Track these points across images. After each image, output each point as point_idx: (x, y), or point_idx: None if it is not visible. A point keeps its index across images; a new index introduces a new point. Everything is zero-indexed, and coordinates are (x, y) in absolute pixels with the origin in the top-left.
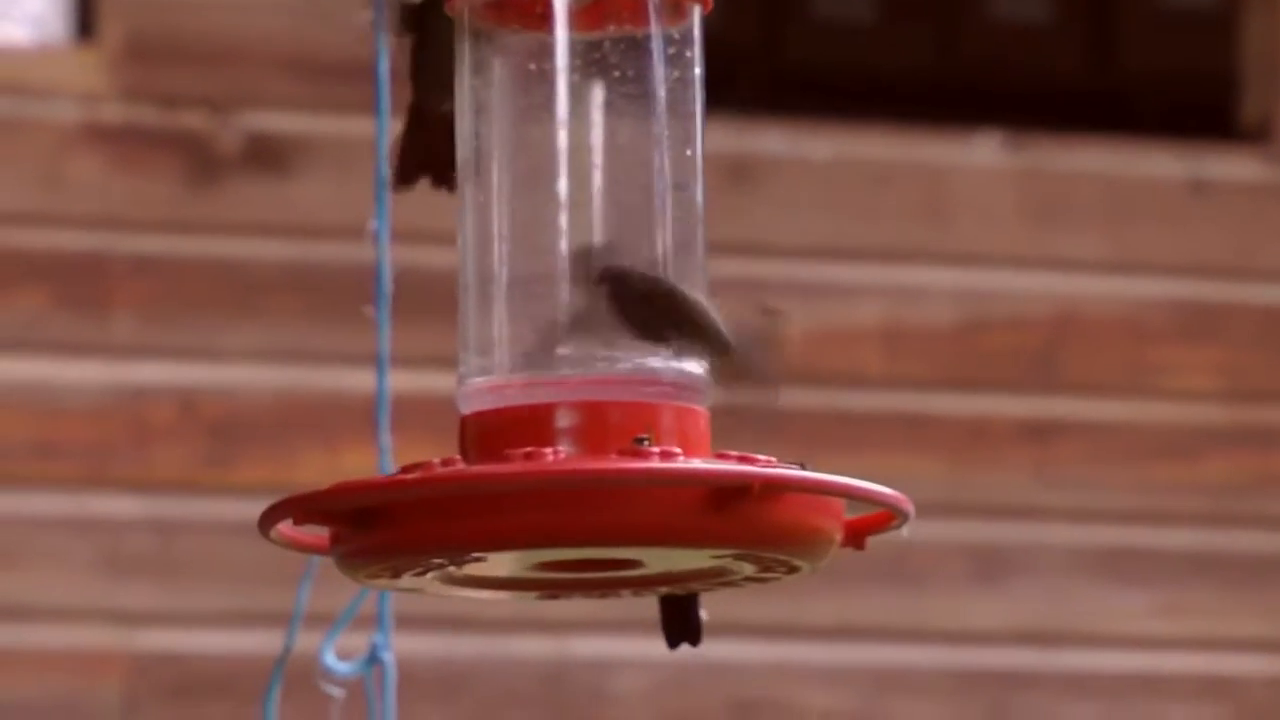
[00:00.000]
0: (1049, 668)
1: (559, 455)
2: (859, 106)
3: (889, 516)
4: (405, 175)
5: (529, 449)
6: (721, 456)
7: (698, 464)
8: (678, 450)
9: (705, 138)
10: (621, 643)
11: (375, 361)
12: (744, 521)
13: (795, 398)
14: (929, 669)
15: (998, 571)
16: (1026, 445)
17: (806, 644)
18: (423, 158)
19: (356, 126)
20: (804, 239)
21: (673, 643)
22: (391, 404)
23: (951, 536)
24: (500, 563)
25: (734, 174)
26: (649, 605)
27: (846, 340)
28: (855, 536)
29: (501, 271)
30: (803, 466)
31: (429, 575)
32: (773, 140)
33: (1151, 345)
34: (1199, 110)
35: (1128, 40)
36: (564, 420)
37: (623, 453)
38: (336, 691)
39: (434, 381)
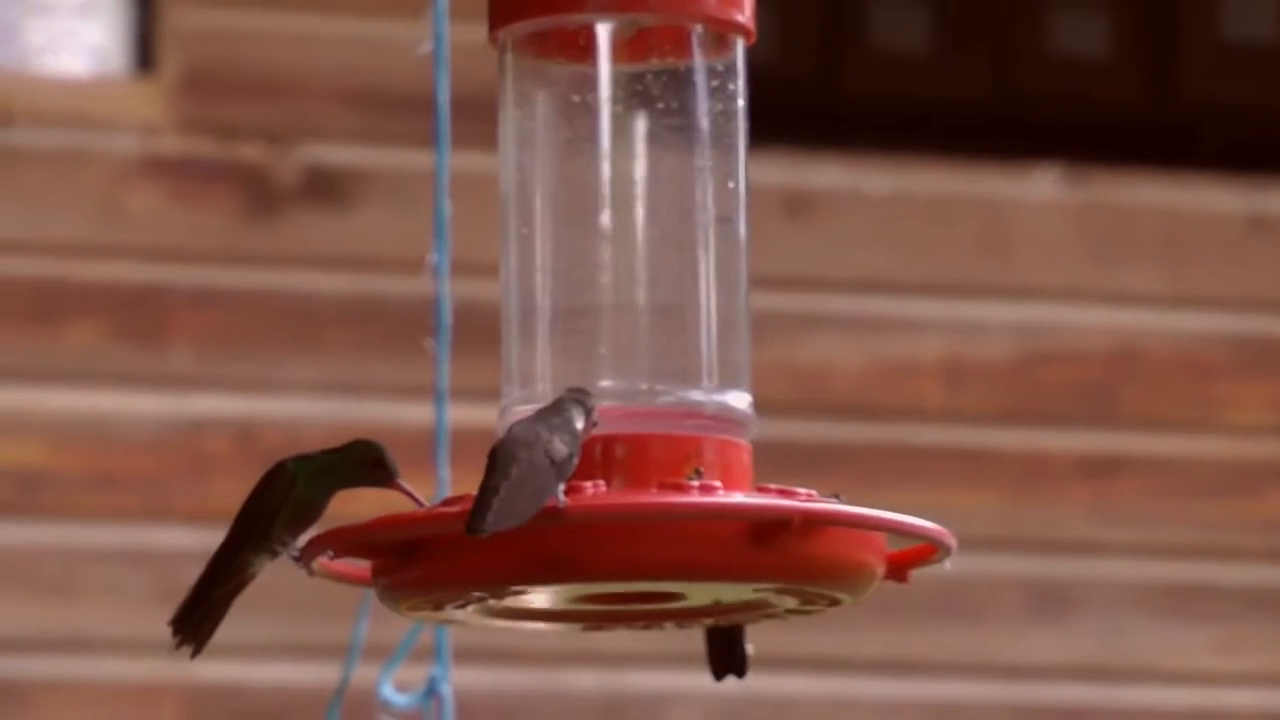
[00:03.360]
0: (1108, 703)
1: (599, 489)
2: (916, 139)
3: (931, 550)
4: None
5: (569, 483)
6: (762, 490)
7: (737, 498)
8: (717, 484)
9: (761, 170)
10: (677, 676)
11: (434, 394)
12: (785, 555)
13: (854, 431)
14: (986, 704)
15: (1056, 607)
16: (1085, 480)
17: (861, 678)
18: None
19: (415, 159)
20: (861, 273)
21: (718, 675)
22: (450, 436)
23: (1009, 571)
24: (541, 595)
25: (791, 207)
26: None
27: (905, 374)
28: (898, 570)
29: (544, 304)
30: (838, 498)
31: (470, 608)
32: (830, 173)
33: (1211, 380)
34: (1260, 144)
35: (1187, 73)
36: (605, 452)
37: (663, 487)
38: None
39: (492, 414)
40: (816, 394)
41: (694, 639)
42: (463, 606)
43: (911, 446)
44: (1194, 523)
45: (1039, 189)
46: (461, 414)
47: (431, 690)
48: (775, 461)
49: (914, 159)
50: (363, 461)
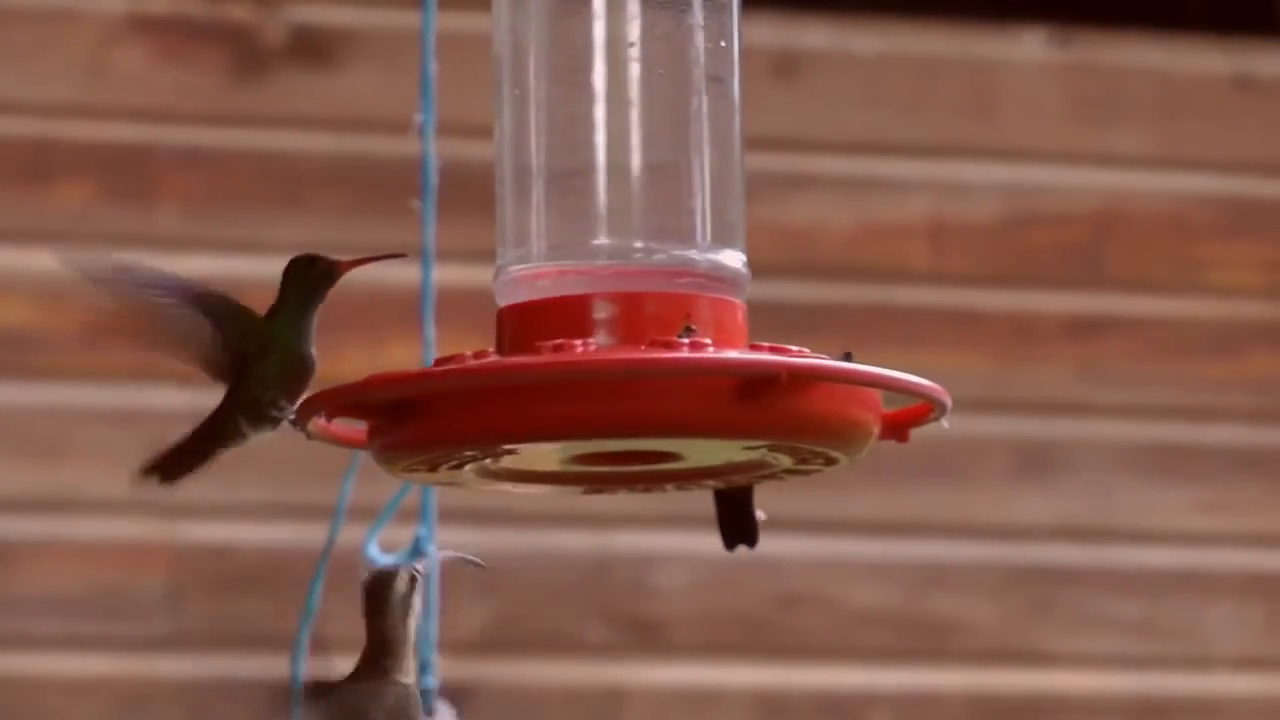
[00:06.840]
0: (1093, 563)
1: (588, 347)
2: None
3: (928, 408)
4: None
5: (559, 341)
6: (755, 348)
7: (724, 354)
8: (707, 341)
9: (749, 32)
10: (664, 537)
11: (420, 254)
12: (774, 412)
13: (842, 292)
14: (973, 564)
15: (1042, 467)
16: (1072, 341)
17: (851, 539)
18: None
19: (403, 19)
20: (850, 134)
21: (730, 544)
22: (436, 297)
23: (996, 432)
24: (535, 455)
25: (779, 68)
26: (692, 499)
27: (892, 235)
28: (896, 429)
29: (538, 164)
30: (849, 357)
31: (466, 469)
32: (818, 34)
33: (1197, 241)
34: (1246, 5)
35: None
36: (598, 311)
37: (653, 344)
38: None
39: (478, 275)
40: (805, 255)
41: (682, 500)
42: (458, 467)
43: (899, 307)
44: (1180, 383)
45: (1027, 50)
46: (448, 274)
47: (417, 550)
48: (763, 322)
49: (902, 20)
50: (302, 272)
